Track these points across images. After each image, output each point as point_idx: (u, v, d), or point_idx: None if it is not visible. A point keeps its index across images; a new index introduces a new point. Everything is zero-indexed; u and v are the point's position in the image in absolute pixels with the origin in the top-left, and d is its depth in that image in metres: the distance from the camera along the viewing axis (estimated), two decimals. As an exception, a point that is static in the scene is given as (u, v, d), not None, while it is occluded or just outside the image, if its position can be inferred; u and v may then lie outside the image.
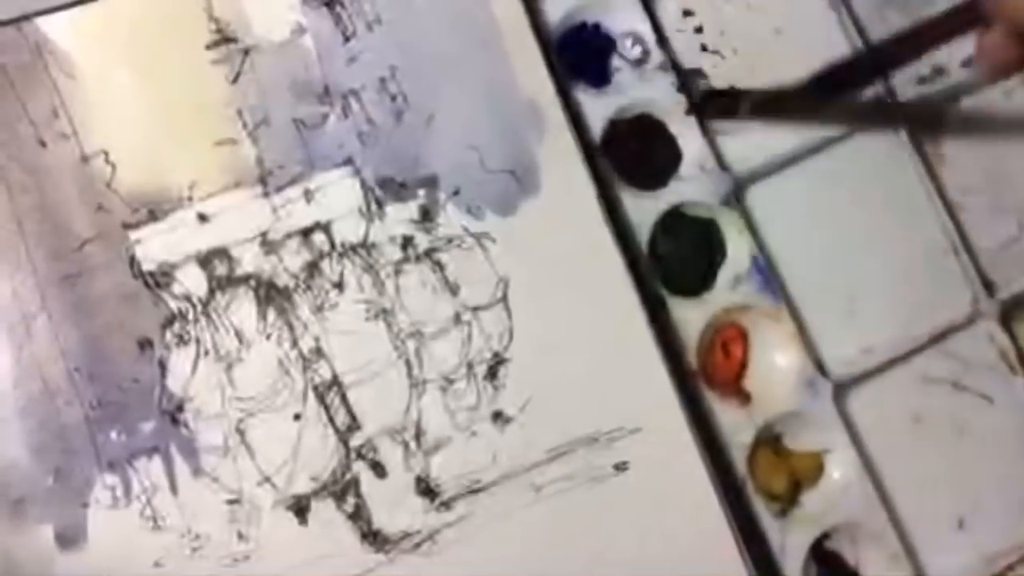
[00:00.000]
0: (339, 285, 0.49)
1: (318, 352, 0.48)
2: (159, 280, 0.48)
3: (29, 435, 0.46)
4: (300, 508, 0.47)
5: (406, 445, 0.48)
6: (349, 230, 0.49)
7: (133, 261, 0.48)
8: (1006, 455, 0.53)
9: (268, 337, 0.48)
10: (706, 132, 0.54)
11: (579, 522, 0.48)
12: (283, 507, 0.47)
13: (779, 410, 0.51)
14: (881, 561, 0.51)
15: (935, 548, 0.51)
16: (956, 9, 0.46)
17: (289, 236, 0.49)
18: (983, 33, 0.44)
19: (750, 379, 0.52)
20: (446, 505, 0.47)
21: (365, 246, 0.49)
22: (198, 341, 0.47)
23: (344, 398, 0.48)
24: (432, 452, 0.48)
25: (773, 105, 0.53)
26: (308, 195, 0.49)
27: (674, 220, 0.53)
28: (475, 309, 0.49)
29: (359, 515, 0.47)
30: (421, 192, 0.50)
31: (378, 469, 0.47)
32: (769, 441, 0.52)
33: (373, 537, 0.47)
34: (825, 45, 0.55)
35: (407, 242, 0.50)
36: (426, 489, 0.48)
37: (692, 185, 0.53)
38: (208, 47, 0.50)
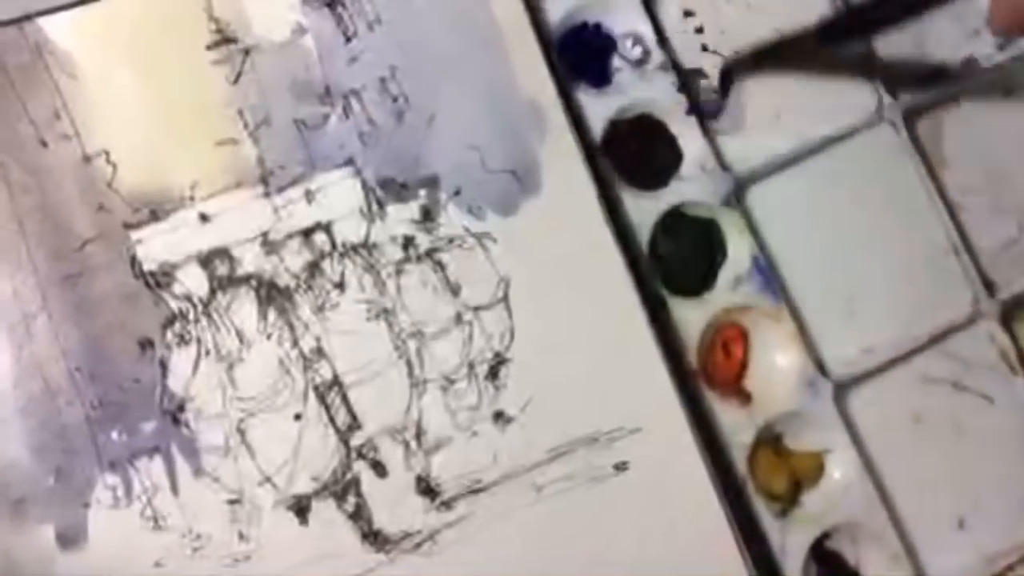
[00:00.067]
0: (340, 285, 0.49)
1: (319, 352, 0.48)
2: (160, 280, 0.48)
3: (30, 435, 0.46)
4: (301, 508, 0.47)
5: (407, 445, 0.48)
6: (350, 230, 0.49)
7: (134, 261, 0.48)
8: (1006, 455, 0.53)
9: (269, 337, 0.48)
10: (707, 132, 0.54)
11: (579, 522, 0.48)
12: (284, 507, 0.47)
13: (779, 410, 0.51)
14: (881, 561, 0.51)
15: (935, 548, 0.51)
16: None
17: (290, 236, 0.49)
18: None
19: (750, 379, 0.52)
20: (447, 505, 0.47)
21: (366, 246, 0.49)
22: (199, 341, 0.47)
23: (345, 398, 0.48)
24: (433, 452, 0.48)
25: (780, 53, 0.53)
26: (309, 195, 0.49)
27: (675, 220, 0.53)
28: (476, 309, 0.49)
29: (360, 515, 0.47)
30: (422, 192, 0.50)
31: (379, 469, 0.48)
32: (769, 441, 0.52)
33: (374, 537, 0.47)
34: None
35: (408, 242, 0.50)
36: (427, 489, 0.48)
37: (693, 185, 0.53)
38: (209, 47, 0.50)
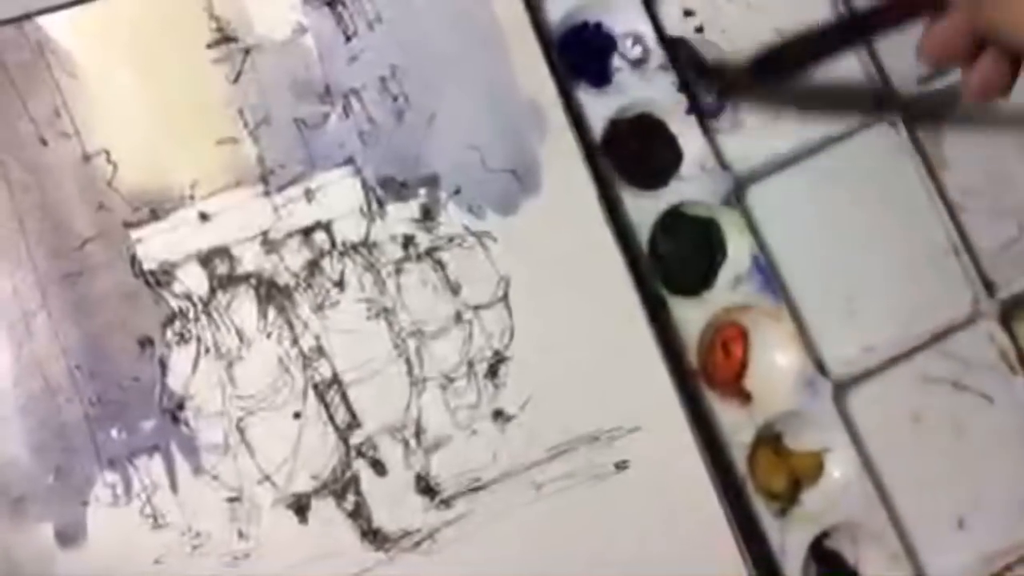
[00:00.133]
0: (340, 284, 0.49)
1: (319, 350, 0.48)
2: (160, 279, 0.48)
3: (29, 433, 0.46)
4: (300, 506, 0.47)
5: (406, 443, 0.48)
6: (350, 229, 0.50)
7: (134, 260, 0.48)
8: (1006, 455, 0.53)
9: (269, 335, 0.48)
10: (706, 132, 0.54)
11: (579, 521, 0.48)
12: (283, 505, 0.47)
13: (779, 409, 0.51)
14: (881, 560, 0.51)
15: (935, 547, 0.51)
16: None
17: (290, 235, 0.49)
18: (933, 22, 0.44)
19: (750, 378, 0.52)
20: (446, 503, 0.47)
21: (366, 245, 0.49)
22: (199, 339, 0.47)
23: (344, 396, 0.48)
24: (432, 450, 0.48)
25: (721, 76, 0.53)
26: (309, 194, 0.50)
27: (674, 220, 0.53)
28: (476, 308, 0.49)
29: (359, 513, 0.47)
30: (422, 191, 0.50)
31: (378, 467, 0.48)
32: (769, 440, 0.52)
33: (373, 535, 0.47)
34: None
35: (408, 241, 0.50)
36: (426, 487, 0.48)
37: (692, 185, 0.53)
38: (209, 46, 0.50)
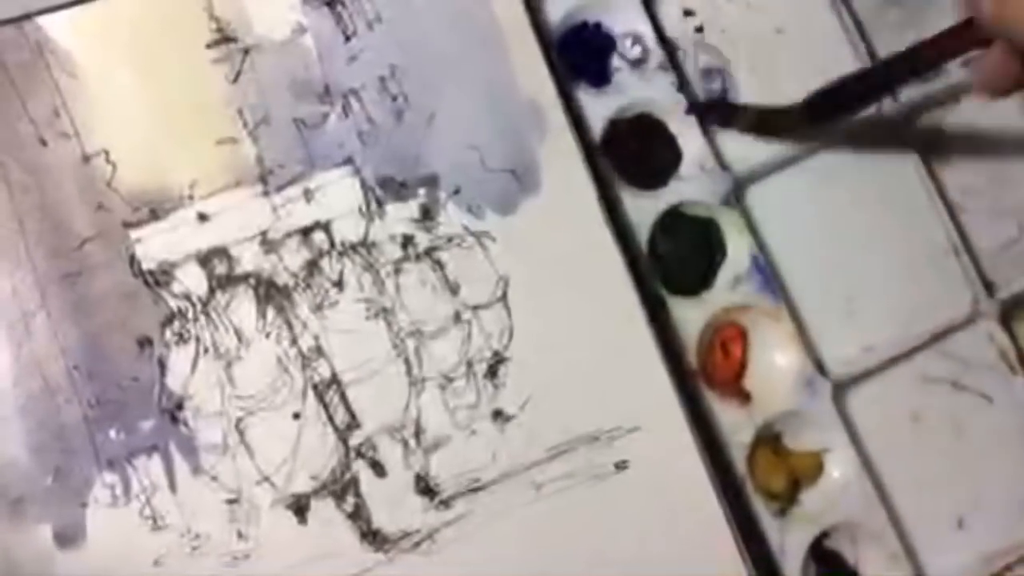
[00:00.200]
0: (339, 284, 0.49)
1: (318, 351, 0.48)
2: (159, 279, 0.48)
3: (28, 434, 0.46)
4: (299, 507, 0.47)
5: (405, 444, 0.48)
6: (349, 229, 0.49)
7: (133, 260, 0.48)
8: (1006, 455, 0.53)
9: (268, 335, 0.48)
10: (706, 132, 0.54)
11: (579, 521, 0.48)
12: (282, 506, 0.47)
13: (778, 409, 0.51)
14: (880, 560, 0.51)
15: (934, 547, 0.51)
16: (952, 30, 0.46)
17: (289, 235, 0.49)
18: (980, 55, 0.44)
19: (750, 378, 0.52)
20: (446, 504, 0.47)
21: (365, 245, 0.49)
22: (198, 339, 0.47)
23: (343, 397, 0.48)
24: (432, 451, 0.48)
25: (769, 122, 0.53)
26: (308, 194, 0.49)
27: (674, 220, 0.53)
28: (475, 308, 0.49)
29: (358, 514, 0.47)
30: (421, 191, 0.50)
31: (377, 468, 0.47)
32: (768, 440, 0.52)
33: (372, 536, 0.47)
34: (826, 44, 0.55)
35: (407, 241, 0.50)
36: (426, 488, 0.48)
37: (692, 185, 0.53)
38: (208, 46, 0.50)
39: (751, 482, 0.50)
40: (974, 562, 0.51)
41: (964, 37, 0.45)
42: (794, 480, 0.51)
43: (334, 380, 0.48)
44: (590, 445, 0.49)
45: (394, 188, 0.50)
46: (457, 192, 0.50)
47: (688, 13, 0.56)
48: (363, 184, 0.50)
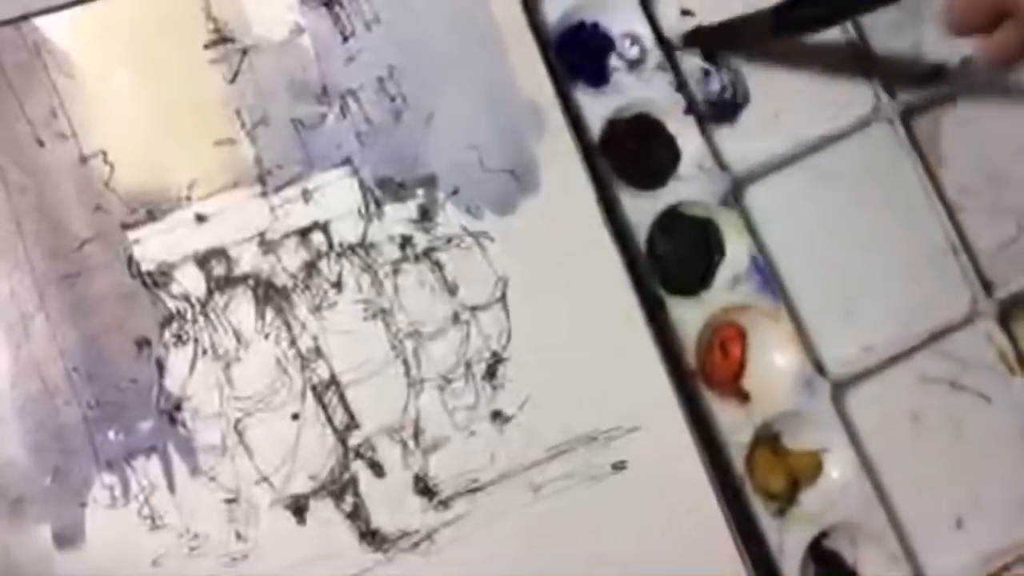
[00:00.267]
0: (337, 285, 0.49)
1: (316, 351, 0.48)
2: (157, 280, 0.48)
3: (27, 435, 0.46)
4: (298, 507, 0.47)
5: (404, 444, 0.48)
6: (347, 230, 0.49)
7: (131, 261, 0.48)
8: (1004, 455, 0.53)
9: (266, 336, 0.48)
10: (704, 132, 0.54)
11: (577, 521, 0.48)
12: (281, 506, 0.47)
13: (777, 409, 0.51)
14: (879, 560, 0.51)
15: (934, 547, 0.51)
16: None
17: (287, 236, 0.49)
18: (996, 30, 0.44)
19: (748, 378, 0.52)
20: (444, 504, 0.47)
21: (363, 246, 0.49)
22: (196, 341, 0.47)
23: (342, 397, 0.48)
24: (430, 451, 0.48)
25: (735, 31, 0.53)
26: (306, 195, 0.49)
27: (672, 220, 0.53)
28: (473, 308, 0.49)
29: (357, 514, 0.47)
30: (420, 192, 0.50)
31: (376, 468, 0.48)
32: (767, 440, 0.52)
33: (371, 536, 0.47)
34: (824, 44, 0.55)
35: (406, 242, 0.50)
36: (424, 488, 0.48)
37: (690, 185, 0.53)
38: (206, 47, 0.50)
39: (750, 482, 0.50)
40: (973, 562, 0.51)
41: None
42: (793, 480, 0.51)
43: (333, 381, 0.48)
44: (589, 445, 0.49)
45: (392, 189, 0.50)
46: (455, 192, 0.50)
47: (686, 13, 0.55)
48: (361, 185, 0.50)
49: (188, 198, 0.49)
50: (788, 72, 0.55)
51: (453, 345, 0.49)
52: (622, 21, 0.55)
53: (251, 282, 0.48)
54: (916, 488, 0.52)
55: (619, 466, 0.49)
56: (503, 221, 0.50)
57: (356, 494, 0.47)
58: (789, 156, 0.54)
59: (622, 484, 0.48)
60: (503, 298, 0.49)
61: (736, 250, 0.53)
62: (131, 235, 0.48)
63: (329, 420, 0.48)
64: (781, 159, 0.54)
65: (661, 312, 0.52)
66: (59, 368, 0.46)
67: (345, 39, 0.51)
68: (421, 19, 0.52)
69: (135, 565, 0.45)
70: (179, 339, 0.47)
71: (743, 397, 0.52)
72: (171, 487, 0.46)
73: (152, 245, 0.48)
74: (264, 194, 0.49)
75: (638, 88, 0.54)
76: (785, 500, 0.51)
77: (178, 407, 0.47)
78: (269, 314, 0.48)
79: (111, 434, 0.46)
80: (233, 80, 0.50)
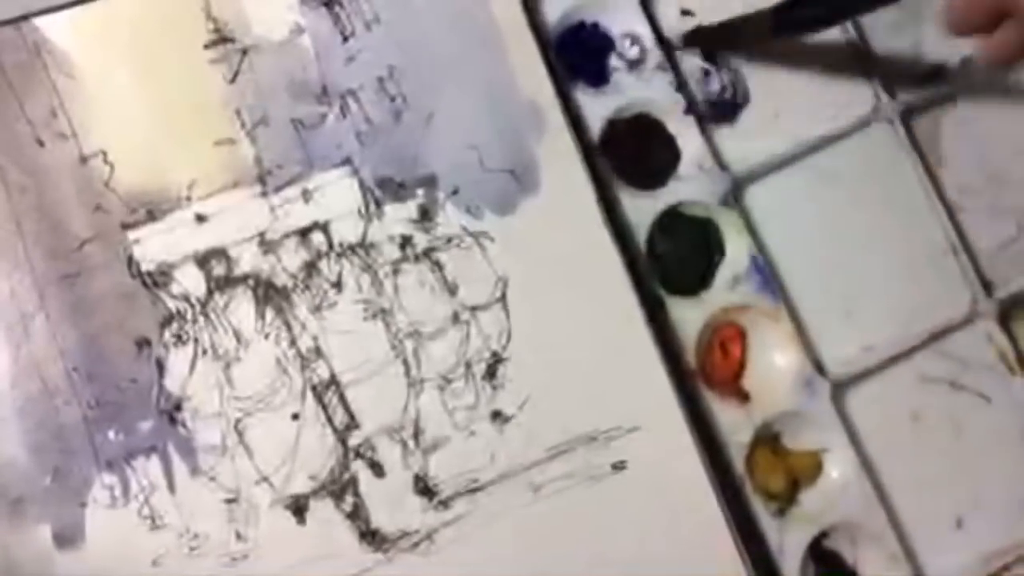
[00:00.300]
0: (337, 285, 0.49)
1: (316, 351, 0.48)
2: (157, 280, 0.48)
3: (27, 434, 0.46)
4: (298, 507, 0.47)
5: (404, 444, 0.48)
6: (347, 230, 0.49)
7: (131, 261, 0.48)
8: (1004, 454, 0.53)
9: (266, 336, 0.48)
10: (704, 131, 0.54)
11: (577, 521, 0.48)
12: (281, 506, 0.47)
13: (777, 409, 0.51)
14: (879, 560, 0.51)
15: (933, 547, 0.51)
16: None
17: (287, 236, 0.49)
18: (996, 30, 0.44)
19: (748, 378, 0.52)
20: (444, 504, 0.47)
21: (363, 246, 0.49)
22: (196, 340, 0.47)
23: (342, 397, 0.48)
24: (430, 451, 0.48)
25: (735, 32, 0.53)
26: (306, 195, 0.49)
27: (672, 220, 0.53)
28: (473, 308, 0.49)
29: (357, 514, 0.47)
30: (420, 191, 0.50)
31: (376, 468, 0.48)
32: (767, 440, 0.52)
33: (371, 536, 0.47)
34: (823, 44, 0.55)
35: (405, 242, 0.50)
36: (424, 488, 0.48)
37: (690, 185, 0.53)
38: (206, 47, 0.50)
39: (750, 482, 0.50)
40: (973, 562, 0.51)
41: None
42: (793, 480, 0.51)
43: (333, 381, 0.48)
44: (588, 445, 0.49)
45: (392, 188, 0.50)
46: (455, 192, 0.50)
47: (686, 13, 0.55)
48: (361, 185, 0.50)
49: (188, 198, 0.49)
50: (788, 72, 0.55)
51: (453, 345, 0.49)
52: (622, 21, 0.55)
53: (251, 282, 0.48)
54: (916, 488, 0.52)
55: (619, 466, 0.49)
56: (503, 221, 0.50)
57: (356, 494, 0.47)
58: (789, 156, 0.54)
59: (622, 484, 0.48)
60: (503, 298, 0.49)
61: (736, 250, 0.53)
62: (131, 235, 0.48)
63: (329, 420, 0.48)
64: (781, 159, 0.54)
65: (661, 312, 0.52)
66: (59, 368, 0.46)
67: (345, 39, 0.51)
68: (421, 19, 0.52)
69: (135, 565, 0.45)
70: (179, 339, 0.47)
71: (743, 397, 0.52)
72: (171, 487, 0.46)
73: (152, 245, 0.48)
74: (264, 194, 0.49)
75: (638, 88, 0.54)
76: (785, 500, 0.51)
77: (178, 407, 0.47)
78: (269, 314, 0.48)
79: (111, 434, 0.46)
80: (233, 80, 0.50)
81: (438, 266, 0.49)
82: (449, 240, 0.50)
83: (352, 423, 0.48)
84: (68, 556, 0.45)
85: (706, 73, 0.55)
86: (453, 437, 0.48)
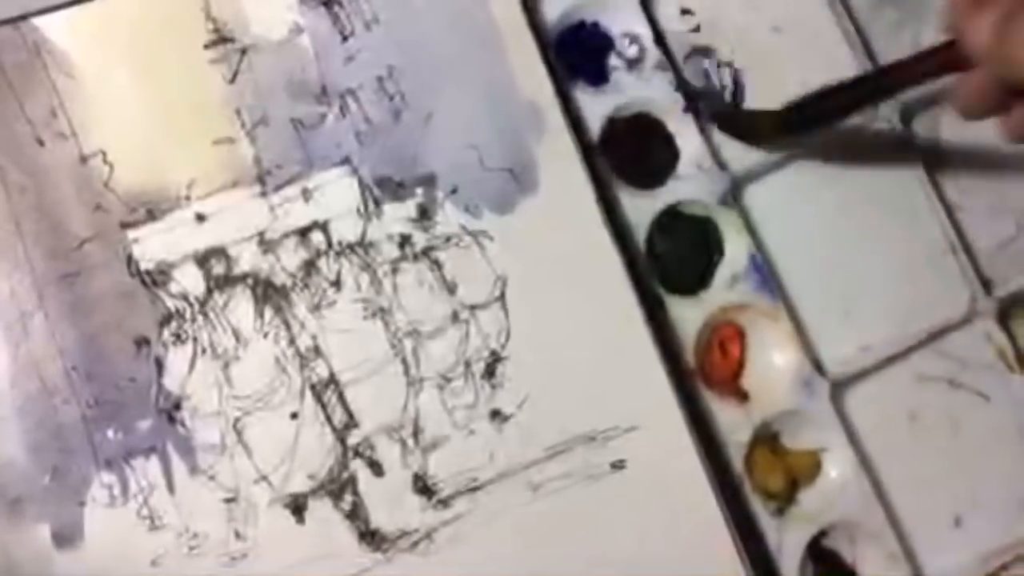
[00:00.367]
0: (336, 284, 0.49)
1: (315, 350, 0.48)
2: (157, 279, 0.48)
3: (26, 434, 0.46)
4: (297, 507, 0.47)
5: (403, 443, 0.48)
6: (347, 229, 0.50)
7: (131, 260, 0.48)
8: (1003, 453, 0.53)
9: (265, 336, 0.48)
10: (703, 131, 0.54)
11: (576, 520, 0.48)
12: (280, 506, 0.47)
13: (776, 409, 0.51)
14: (878, 559, 0.51)
15: (932, 546, 0.51)
16: (932, 51, 0.46)
17: (287, 235, 0.49)
18: (963, 77, 0.44)
19: (747, 378, 0.52)
20: (444, 503, 0.47)
21: (363, 245, 0.49)
22: (195, 340, 0.47)
23: (341, 396, 0.48)
24: (430, 450, 0.48)
25: (747, 125, 0.54)
26: (306, 194, 0.50)
27: (671, 219, 0.53)
28: (473, 308, 0.49)
29: (356, 514, 0.47)
30: (419, 191, 0.50)
31: (375, 467, 0.48)
32: (766, 440, 0.52)
33: (371, 536, 0.47)
34: (823, 43, 0.55)
35: (405, 241, 0.50)
36: (423, 487, 0.48)
37: (690, 184, 0.53)
38: (206, 47, 0.50)
39: (749, 481, 0.50)
40: (972, 561, 0.51)
41: (944, 60, 0.45)
42: (792, 479, 0.51)
43: (332, 380, 0.48)
44: (588, 444, 0.49)
45: (392, 188, 0.50)
46: (455, 192, 0.50)
47: (686, 12, 0.55)
48: (361, 184, 0.50)
49: (188, 197, 0.49)
50: (787, 72, 0.55)
51: (452, 344, 0.49)
52: (622, 21, 0.55)
53: (250, 281, 0.48)
54: (915, 487, 0.52)
55: (618, 465, 0.49)
56: (502, 220, 0.50)
57: (355, 493, 0.47)
58: (788, 155, 0.54)
59: (621, 483, 0.48)
60: (502, 297, 0.49)
61: (735, 249, 0.53)
62: (130, 234, 0.48)
63: (328, 419, 0.48)
64: (780, 158, 0.54)
65: (660, 311, 0.52)
66: (58, 367, 0.46)
67: (344, 39, 0.51)
68: (421, 19, 0.52)
69: (134, 565, 0.45)
70: (178, 338, 0.47)
71: (742, 396, 0.52)
72: (170, 486, 0.46)
73: (151, 244, 0.48)
74: (263, 193, 0.49)
75: (638, 87, 0.54)
76: (784, 499, 0.51)
77: (177, 406, 0.47)
78: (268, 313, 0.48)
79: (110, 433, 0.46)
80: (233, 80, 0.50)
81: (437, 265, 0.50)
82: (448, 239, 0.50)
83: (351, 422, 0.48)
84: (67, 555, 0.45)
85: (706, 73, 0.55)
86: (452, 436, 0.48)
